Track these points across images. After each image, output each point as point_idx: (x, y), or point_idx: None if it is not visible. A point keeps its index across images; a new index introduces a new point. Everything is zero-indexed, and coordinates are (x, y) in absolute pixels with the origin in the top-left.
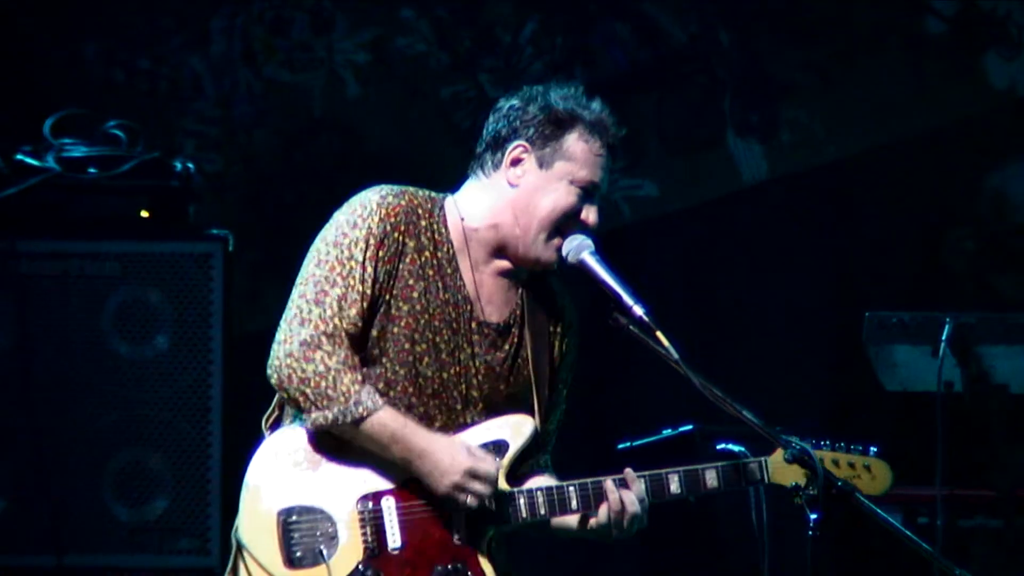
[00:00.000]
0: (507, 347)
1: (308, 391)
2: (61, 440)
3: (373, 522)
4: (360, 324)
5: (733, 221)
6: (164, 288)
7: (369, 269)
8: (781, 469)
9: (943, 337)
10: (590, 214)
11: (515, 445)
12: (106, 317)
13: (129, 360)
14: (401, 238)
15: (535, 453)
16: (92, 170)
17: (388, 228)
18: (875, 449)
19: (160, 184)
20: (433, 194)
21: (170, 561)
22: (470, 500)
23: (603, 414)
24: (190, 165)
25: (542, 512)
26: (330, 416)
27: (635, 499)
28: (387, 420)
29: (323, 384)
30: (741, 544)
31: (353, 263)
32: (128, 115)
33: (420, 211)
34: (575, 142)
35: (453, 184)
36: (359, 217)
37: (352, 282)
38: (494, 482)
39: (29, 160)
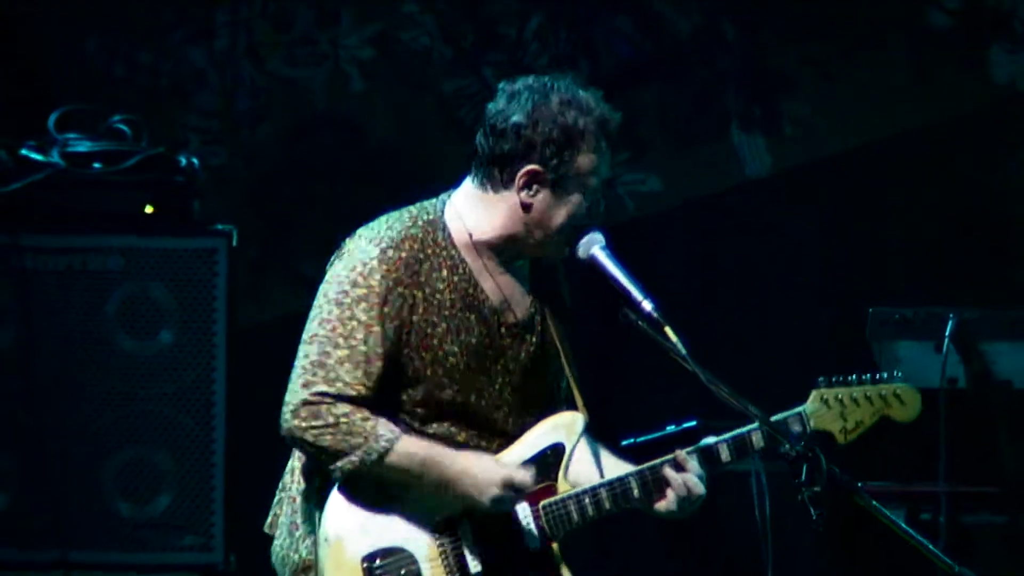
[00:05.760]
0: (534, 339)
1: (326, 444)
2: (64, 435)
3: (453, 552)
4: (369, 384)
5: (736, 215)
6: (168, 283)
7: (377, 329)
8: (821, 416)
9: (946, 333)
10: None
11: (570, 444)
12: (110, 312)
13: (133, 355)
14: (407, 291)
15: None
16: (96, 165)
17: (391, 284)
18: (900, 374)
19: (164, 179)
20: (430, 211)
21: (173, 557)
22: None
23: (607, 409)
24: (194, 160)
25: (607, 507)
26: (356, 459)
27: (696, 479)
28: (411, 447)
29: (338, 433)
30: (744, 538)
31: (355, 323)
32: (131, 110)
33: (423, 253)
34: (585, 157)
35: (454, 179)
36: (359, 276)
37: (354, 343)
38: (529, 488)
39: (33, 155)
